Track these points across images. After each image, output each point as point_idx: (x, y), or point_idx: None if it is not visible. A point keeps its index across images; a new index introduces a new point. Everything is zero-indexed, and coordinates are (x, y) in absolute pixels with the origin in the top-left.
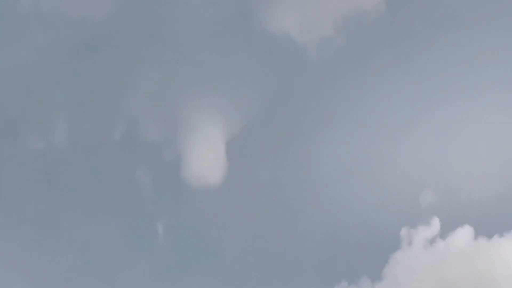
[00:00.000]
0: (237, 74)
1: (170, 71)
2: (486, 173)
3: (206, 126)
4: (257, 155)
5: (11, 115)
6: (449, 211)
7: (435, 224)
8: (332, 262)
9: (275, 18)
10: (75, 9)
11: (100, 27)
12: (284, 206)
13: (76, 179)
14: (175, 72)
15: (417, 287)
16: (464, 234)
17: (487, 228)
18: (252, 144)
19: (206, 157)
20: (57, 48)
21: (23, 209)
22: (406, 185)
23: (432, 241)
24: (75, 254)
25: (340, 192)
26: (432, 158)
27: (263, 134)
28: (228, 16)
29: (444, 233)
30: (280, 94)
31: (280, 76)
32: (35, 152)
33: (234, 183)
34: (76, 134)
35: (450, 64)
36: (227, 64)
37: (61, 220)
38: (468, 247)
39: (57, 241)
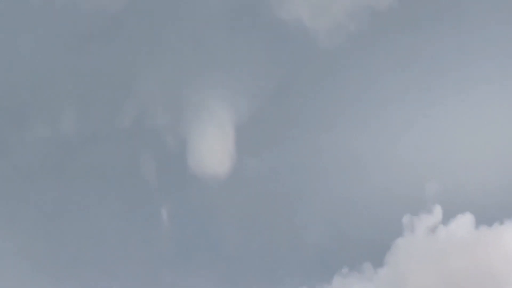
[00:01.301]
0: (247, 61)
1: (179, 59)
2: (488, 163)
3: (214, 114)
4: (265, 144)
5: (19, 103)
6: (451, 199)
7: (437, 212)
8: (334, 249)
9: (286, 4)
10: None
11: (108, 16)
12: (289, 195)
13: (82, 166)
14: (184, 59)
15: (418, 273)
16: (465, 222)
17: (488, 216)
18: (260, 132)
19: (213, 146)
20: (65, 36)
21: (30, 196)
22: (408, 174)
23: (434, 229)
24: (80, 241)
25: (345, 181)
26: (435, 147)
27: (271, 122)
28: (239, 3)
29: (446, 221)
30: (290, 81)
31: (290, 62)
32: (42, 140)
33: (241, 173)
34: (83, 122)
35: (457, 55)
36: (237, 50)
37: (66, 207)
38: (469, 235)
39: (62, 228)
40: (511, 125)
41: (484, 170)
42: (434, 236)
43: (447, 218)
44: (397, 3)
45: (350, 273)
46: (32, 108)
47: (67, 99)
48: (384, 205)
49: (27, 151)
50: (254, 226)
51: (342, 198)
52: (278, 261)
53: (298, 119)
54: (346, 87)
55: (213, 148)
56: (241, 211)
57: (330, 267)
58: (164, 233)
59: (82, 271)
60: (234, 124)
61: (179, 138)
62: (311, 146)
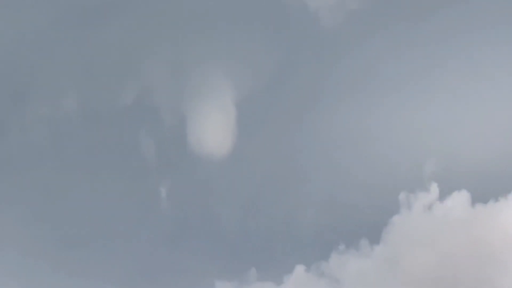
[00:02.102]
0: (249, 39)
1: (181, 36)
2: (484, 141)
3: (216, 93)
4: (266, 123)
5: (18, 81)
6: (447, 177)
7: (434, 190)
8: (331, 226)
9: None
10: None
11: None
12: (288, 173)
13: (83, 144)
14: (186, 38)
15: (415, 250)
16: (461, 199)
17: (483, 193)
18: (261, 110)
19: (214, 124)
20: (67, 13)
21: (30, 175)
22: (405, 152)
23: (430, 206)
24: (79, 219)
25: (343, 159)
26: (433, 126)
27: (273, 100)
28: None
29: (442, 198)
30: (291, 58)
31: (292, 40)
32: (42, 118)
33: (241, 151)
34: (84, 100)
35: (461, 38)
36: (239, 28)
37: (65, 185)
38: (465, 213)
39: (61, 205)
40: (507, 105)
41: (479, 148)
42: (430, 213)
43: (443, 195)
44: None
45: (347, 250)
46: (32, 86)
47: (68, 77)
48: (381, 183)
49: (27, 130)
50: (253, 204)
51: (339, 176)
52: (275, 240)
53: (299, 97)
54: (346, 67)
55: (214, 127)
56: (240, 189)
57: (327, 244)
58: (163, 210)
59: (81, 248)
60: (235, 102)
61: (179, 116)
62: (311, 125)
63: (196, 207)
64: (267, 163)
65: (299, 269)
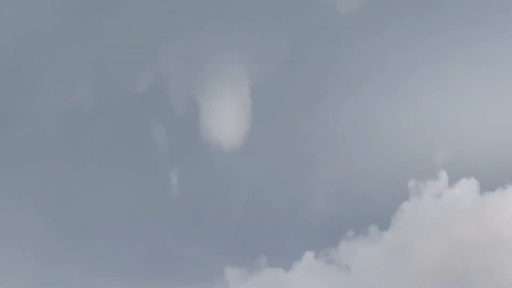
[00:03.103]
0: (265, 26)
1: (196, 23)
2: (492, 131)
3: (231, 81)
4: (280, 111)
5: (30, 71)
6: (456, 165)
7: (443, 178)
8: (341, 213)
9: None
10: None
11: None
12: (299, 160)
13: (95, 133)
14: (201, 25)
15: (424, 236)
16: (470, 187)
17: (491, 181)
18: (275, 99)
19: (228, 113)
20: (81, 1)
21: (42, 164)
22: (415, 140)
23: (439, 194)
24: (90, 206)
25: (353, 147)
26: (443, 115)
27: (287, 88)
28: None
29: (451, 186)
30: (307, 46)
31: (308, 27)
32: (55, 108)
33: (252, 139)
34: (96, 88)
35: (469, 24)
36: (255, 14)
37: (77, 173)
38: (474, 201)
39: (74, 192)
40: None
41: (488, 137)
42: (439, 201)
43: (452, 183)
44: None
45: (355, 236)
46: (45, 75)
47: (81, 66)
48: (390, 171)
49: (40, 120)
50: (263, 193)
51: (349, 163)
52: (285, 226)
53: (312, 85)
54: (361, 54)
55: (227, 115)
56: (251, 177)
57: (336, 231)
58: (174, 198)
59: (93, 234)
60: (250, 90)
61: (192, 104)
62: (322, 113)
63: (207, 195)
64: (278, 151)
65: (308, 255)
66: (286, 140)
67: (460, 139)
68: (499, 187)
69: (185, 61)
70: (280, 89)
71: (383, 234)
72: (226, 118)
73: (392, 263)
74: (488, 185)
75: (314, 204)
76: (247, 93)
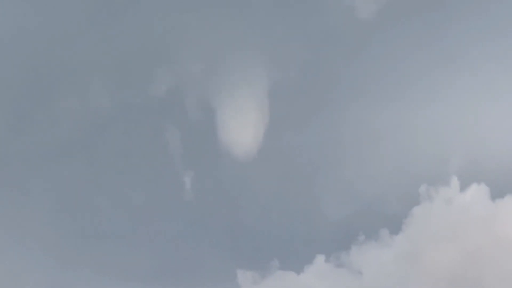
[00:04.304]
0: (283, 30)
1: (214, 27)
2: (503, 137)
3: (248, 85)
4: (295, 115)
5: (46, 74)
6: (467, 171)
7: (454, 184)
8: (352, 217)
9: None
10: None
11: None
12: (311, 164)
13: (111, 136)
14: (220, 29)
15: (435, 244)
16: (481, 193)
17: (502, 187)
18: (294, 105)
19: (245, 118)
20: (98, 3)
21: (60, 165)
22: (427, 146)
23: (450, 200)
24: (106, 206)
25: (366, 152)
26: (454, 121)
27: (305, 91)
28: None
29: (462, 192)
30: (325, 49)
31: (326, 30)
32: (71, 112)
33: (266, 143)
34: (113, 92)
35: (483, 32)
36: (273, 19)
37: (92, 177)
38: (486, 207)
39: (88, 197)
40: None
41: (498, 143)
42: (450, 206)
43: (463, 189)
44: None
45: (367, 240)
46: (61, 79)
47: (98, 69)
48: (402, 175)
49: (56, 123)
50: (276, 197)
51: (361, 167)
52: (297, 231)
53: (330, 89)
54: (378, 57)
55: (244, 119)
56: (264, 182)
57: (347, 235)
58: (187, 201)
59: (106, 236)
60: (268, 94)
61: (208, 108)
62: (338, 117)
63: (220, 198)
64: (293, 155)
65: (319, 259)
66: (301, 144)
67: (471, 144)
68: (509, 193)
69: (202, 64)
70: (297, 93)
71: (394, 238)
72: (242, 122)
73: (404, 268)
74: (498, 191)
75: (326, 207)
76: (264, 96)
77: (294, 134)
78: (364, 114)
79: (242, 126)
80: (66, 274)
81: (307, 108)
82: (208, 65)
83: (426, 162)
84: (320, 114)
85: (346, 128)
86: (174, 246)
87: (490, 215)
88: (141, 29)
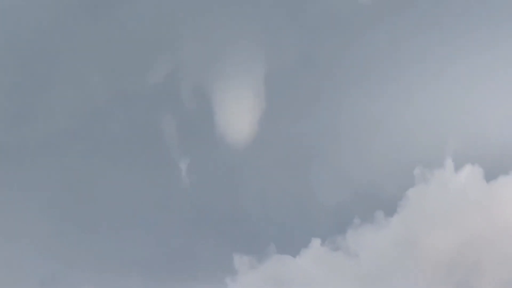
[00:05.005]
0: (281, 15)
1: (211, 15)
2: (495, 119)
3: (245, 72)
4: (291, 102)
5: (43, 66)
6: (462, 153)
7: (448, 165)
8: (347, 200)
9: None
10: None
11: None
12: (307, 149)
13: (109, 124)
14: (216, 17)
15: (431, 226)
16: (475, 175)
17: (495, 168)
18: (288, 89)
19: (242, 106)
20: None
21: (58, 156)
22: (421, 128)
23: (445, 181)
24: (103, 196)
25: (361, 135)
26: (449, 104)
27: (302, 78)
28: None
29: (456, 174)
30: (324, 36)
31: (325, 17)
32: (68, 103)
33: (263, 130)
34: (111, 79)
35: (478, 17)
36: (271, 4)
37: (91, 165)
38: (480, 189)
39: (86, 187)
40: None
41: (491, 125)
42: (445, 187)
43: (458, 171)
44: None
45: (362, 223)
46: (57, 70)
47: (93, 59)
48: (396, 158)
49: (53, 114)
50: (272, 182)
51: (356, 151)
52: (292, 216)
53: (326, 74)
54: (375, 43)
55: (240, 106)
56: (261, 168)
57: (343, 218)
58: (183, 188)
59: (103, 223)
60: (264, 81)
61: (206, 94)
62: (335, 103)
63: (216, 184)
64: (289, 141)
65: (315, 242)
66: (297, 130)
67: (465, 126)
68: (502, 174)
69: (198, 51)
70: (294, 80)
71: (390, 221)
72: (238, 109)
73: (400, 250)
74: (491, 172)
75: (321, 191)
76: (261, 83)
77: (290, 121)
78: (360, 99)
79: (238, 113)
80: (63, 264)
81: (304, 95)
82: (204, 53)
83: (421, 144)
84: (316, 100)
85: (341, 113)
86: (171, 233)
87: (485, 197)
88: (137, 17)
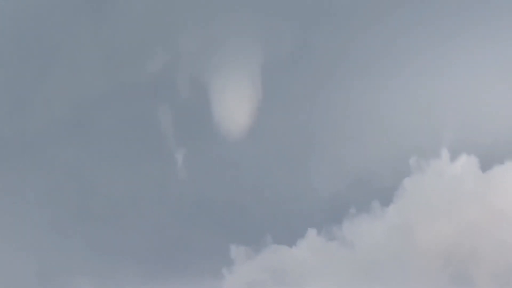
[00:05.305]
0: (278, 6)
1: (210, 5)
2: (491, 111)
3: (242, 63)
4: (288, 92)
5: (38, 57)
6: (457, 143)
7: (444, 155)
8: (343, 189)
9: None
10: None
11: None
12: (303, 139)
13: (106, 117)
14: (215, 8)
15: (426, 215)
16: (471, 164)
17: (490, 158)
18: (286, 80)
19: (239, 96)
20: None
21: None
22: (417, 119)
23: (440, 171)
24: (99, 188)
25: (357, 126)
26: (445, 96)
27: (298, 69)
28: None
29: (452, 164)
30: (319, 26)
31: (321, 7)
32: (63, 94)
33: (259, 121)
34: (110, 70)
35: (473, 11)
36: None
37: (87, 157)
38: (476, 178)
39: (83, 176)
40: None
41: (486, 115)
42: (441, 177)
43: (453, 161)
44: None
45: (358, 213)
46: (53, 60)
47: (89, 49)
48: (392, 148)
49: (49, 105)
50: (268, 174)
51: (352, 141)
52: (289, 206)
53: (324, 66)
54: (371, 35)
55: (237, 97)
56: (257, 158)
57: (339, 208)
58: (179, 179)
59: (100, 214)
60: (261, 72)
61: (202, 85)
62: (331, 93)
63: (213, 175)
64: (286, 131)
65: (311, 232)
66: (294, 120)
67: (461, 116)
68: (497, 163)
69: (195, 42)
70: (291, 70)
71: (386, 210)
72: (235, 99)
73: (396, 240)
74: (487, 162)
75: (317, 182)
76: (258, 74)
77: (287, 112)
78: (356, 89)
79: (235, 104)
80: (59, 255)
81: (300, 85)
82: (201, 43)
83: (417, 134)
84: (313, 91)
85: (338, 104)
86: (167, 223)
87: (481, 187)
88: (134, 8)
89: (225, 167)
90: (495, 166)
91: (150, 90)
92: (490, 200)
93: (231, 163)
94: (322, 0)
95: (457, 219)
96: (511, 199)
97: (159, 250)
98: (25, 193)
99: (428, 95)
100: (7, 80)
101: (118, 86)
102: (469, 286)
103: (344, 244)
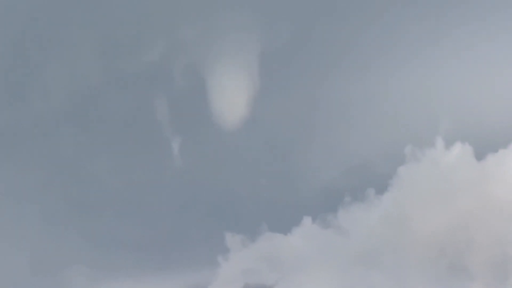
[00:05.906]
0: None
1: None
2: (485, 99)
3: (240, 54)
4: (286, 81)
5: (36, 47)
6: (452, 132)
7: (439, 144)
8: (338, 178)
9: None
10: None
11: None
12: (300, 130)
13: (103, 105)
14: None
15: (421, 203)
16: (465, 153)
17: (487, 148)
18: (283, 68)
19: (236, 86)
20: None
21: (52, 135)
22: (413, 108)
23: (435, 159)
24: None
25: (352, 114)
26: (440, 85)
27: (295, 58)
28: None
29: (447, 152)
30: (316, 15)
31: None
32: (61, 84)
33: (254, 110)
34: (107, 59)
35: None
36: None
37: (84, 145)
38: (471, 166)
39: (80, 164)
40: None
41: (481, 105)
42: (436, 166)
43: (448, 149)
44: None
45: (353, 201)
46: (52, 50)
47: (86, 39)
48: (388, 136)
49: (48, 94)
50: (264, 163)
51: (346, 129)
52: (284, 194)
53: (322, 56)
54: (368, 25)
55: (234, 86)
56: (252, 147)
57: (333, 197)
58: (175, 167)
59: (98, 206)
60: (259, 60)
61: (200, 74)
62: (325, 83)
63: (209, 163)
64: (281, 121)
65: (306, 220)
66: (290, 111)
67: (455, 106)
68: (491, 151)
69: (192, 31)
70: (287, 60)
71: (380, 198)
72: (232, 89)
73: (391, 228)
74: (481, 151)
75: (312, 170)
76: (255, 63)
77: (283, 102)
78: (352, 78)
79: (232, 93)
80: (55, 243)
81: (297, 75)
82: (198, 32)
83: (412, 123)
84: (309, 80)
85: (333, 94)
86: (164, 211)
87: (476, 175)
88: None
89: (220, 156)
90: (490, 155)
91: (147, 80)
92: (484, 188)
93: (227, 152)
94: None
95: (451, 207)
96: (504, 187)
97: (155, 238)
98: (21, 183)
99: (423, 85)
100: (3, 69)
101: (115, 75)
102: (463, 270)
103: (339, 232)
